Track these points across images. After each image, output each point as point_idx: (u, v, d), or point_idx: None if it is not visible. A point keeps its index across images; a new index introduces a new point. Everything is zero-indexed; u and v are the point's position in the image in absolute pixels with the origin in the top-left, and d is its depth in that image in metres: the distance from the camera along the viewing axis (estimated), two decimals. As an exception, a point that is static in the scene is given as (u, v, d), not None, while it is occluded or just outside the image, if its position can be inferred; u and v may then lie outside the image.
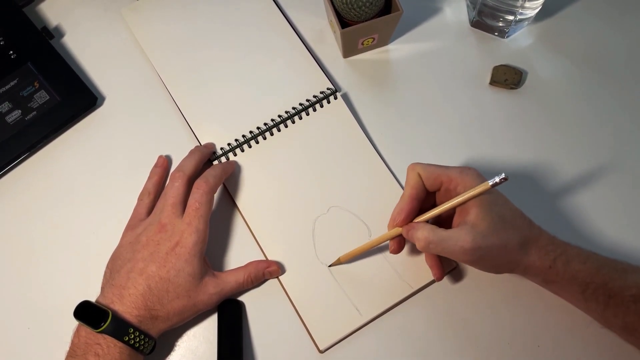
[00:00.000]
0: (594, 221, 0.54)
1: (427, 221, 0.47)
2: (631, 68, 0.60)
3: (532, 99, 0.59)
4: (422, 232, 0.44)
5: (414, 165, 0.48)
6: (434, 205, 0.47)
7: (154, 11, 0.63)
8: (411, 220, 0.47)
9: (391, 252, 0.50)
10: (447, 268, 0.51)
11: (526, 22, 0.61)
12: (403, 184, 0.56)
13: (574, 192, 0.55)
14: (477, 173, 0.46)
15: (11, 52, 0.59)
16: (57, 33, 0.63)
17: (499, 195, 0.46)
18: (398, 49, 0.62)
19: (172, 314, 0.47)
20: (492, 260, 0.45)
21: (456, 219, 0.46)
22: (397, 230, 0.48)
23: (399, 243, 0.49)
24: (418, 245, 0.45)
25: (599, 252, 0.46)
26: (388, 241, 0.50)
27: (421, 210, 0.48)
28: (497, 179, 0.42)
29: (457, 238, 0.43)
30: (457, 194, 0.45)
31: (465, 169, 0.46)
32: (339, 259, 0.52)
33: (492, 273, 0.48)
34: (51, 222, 0.56)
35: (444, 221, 0.49)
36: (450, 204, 0.45)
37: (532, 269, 0.45)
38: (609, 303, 0.43)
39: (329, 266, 0.52)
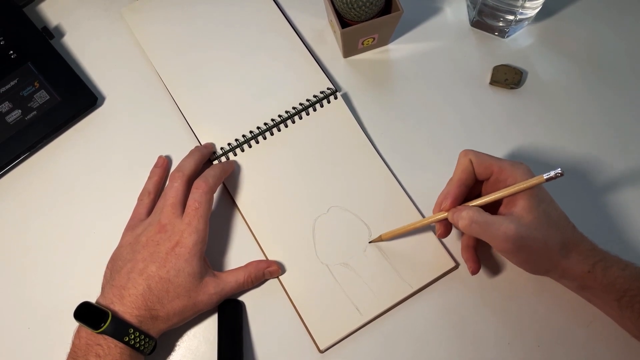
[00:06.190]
0: (597, 224, 0.54)
1: None
2: (631, 67, 0.60)
3: (532, 99, 0.59)
4: (468, 212, 0.44)
5: (467, 151, 0.48)
6: (478, 196, 0.47)
7: (154, 11, 0.63)
8: (457, 205, 0.46)
9: (438, 236, 0.49)
10: (479, 262, 0.50)
11: (526, 22, 0.61)
12: (403, 183, 0.56)
13: (574, 192, 0.55)
14: (529, 169, 0.46)
15: (11, 52, 0.59)
16: (57, 33, 0.63)
17: (546, 193, 0.46)
18: (398, 49, 0.62)
19: (172, 314, 0.47)
20: (531, 254, 0.45)
21: (502, 210, 0.46)
22: (443, 214, 0.47)
23: (446, 227, 0.49)
24: (461, 224, 0.45)
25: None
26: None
27: (466, 199, 0.47)
28: (552, 173, 0.41)
29: (501, 224, 0.43)
30: (505, 186, 0.45)
31: (517, 163, 0.46)
32: (380, 236, 0.51)
33: (527, 271, 0.48)
34: (51, 222, 0.56)
35: (488, 211, 0.48)
36: (501, 193, 0.44)
37: (570, 272, 0.45)
38: None
39: (370, 242, 0.52)
